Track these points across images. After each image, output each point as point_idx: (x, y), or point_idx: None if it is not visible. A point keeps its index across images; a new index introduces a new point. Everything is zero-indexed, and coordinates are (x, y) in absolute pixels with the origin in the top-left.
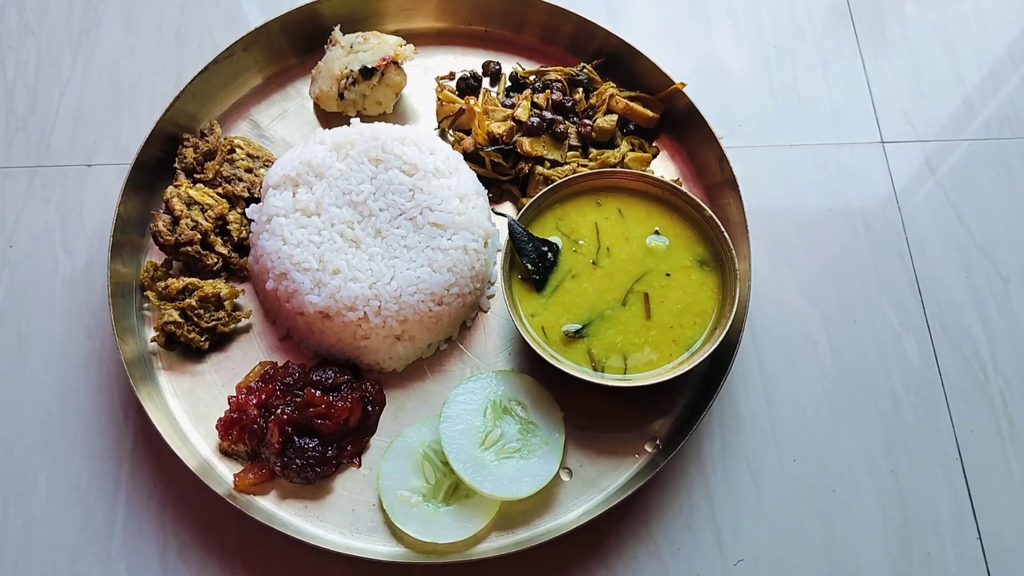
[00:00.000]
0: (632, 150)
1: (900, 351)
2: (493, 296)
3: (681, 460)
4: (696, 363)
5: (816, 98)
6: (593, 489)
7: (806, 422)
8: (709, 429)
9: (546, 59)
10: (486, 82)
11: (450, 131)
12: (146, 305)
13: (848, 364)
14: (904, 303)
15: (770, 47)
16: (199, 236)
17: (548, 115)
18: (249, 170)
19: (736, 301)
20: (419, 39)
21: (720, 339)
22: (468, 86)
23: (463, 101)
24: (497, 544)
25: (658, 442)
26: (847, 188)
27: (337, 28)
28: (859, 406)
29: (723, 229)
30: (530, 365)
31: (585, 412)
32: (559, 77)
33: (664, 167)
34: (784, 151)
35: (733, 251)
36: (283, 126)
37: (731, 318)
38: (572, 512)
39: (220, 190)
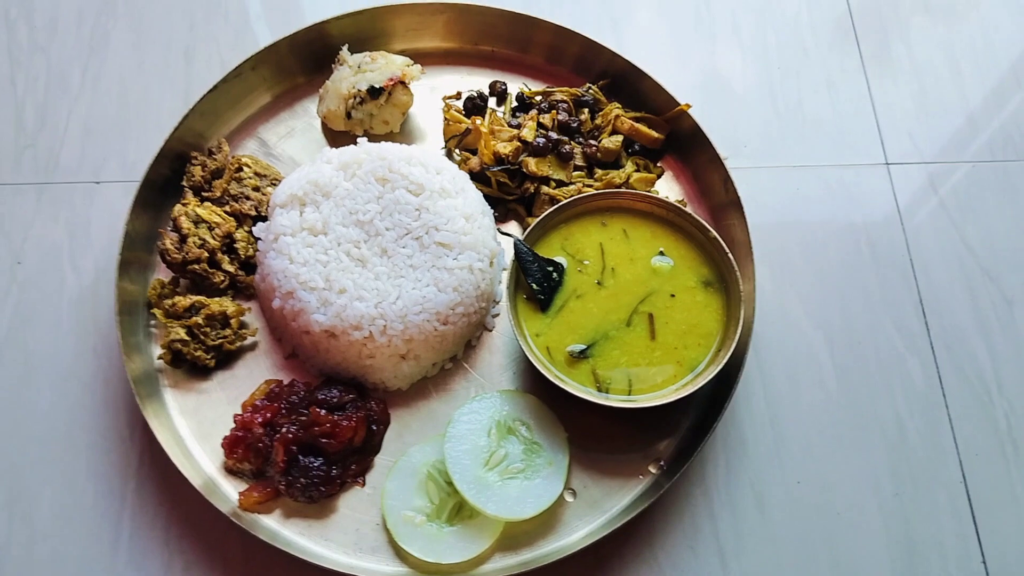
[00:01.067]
0: (637, 170)
1: (904, 373)
2: (498, 315)
3: (685, 482)
4: (701, 384)
5: (821, 118)
6: (597, 510)
7: (810, 444)
8: (713, 451)
9: (552, 79)
10: (492, 102)
11: (456, 151)
12: (153, 323)
13: (852, 386)
14: (908, 325)
15: (775, 67)
16: (206, 254)
17: (554, 135)
18: (256, 188)
19: (740, 322)
20: (426, 59)
21: (725, 360)
22: (475, 106)
23: (469, 121)
24: (501, 565)
25: (662, 463)
26: (851, 209)
27: (345, 48)
28: (863, 428)
29: (728, 250)
30: (534, 385)
31: (589, 433)
32: (565, 97)
33: (669, 187)
34: (788, 172)
35: (738, 272)
36: (291, 145)
37: (736, 339)
38: (576, 533)
39: (227, 208)
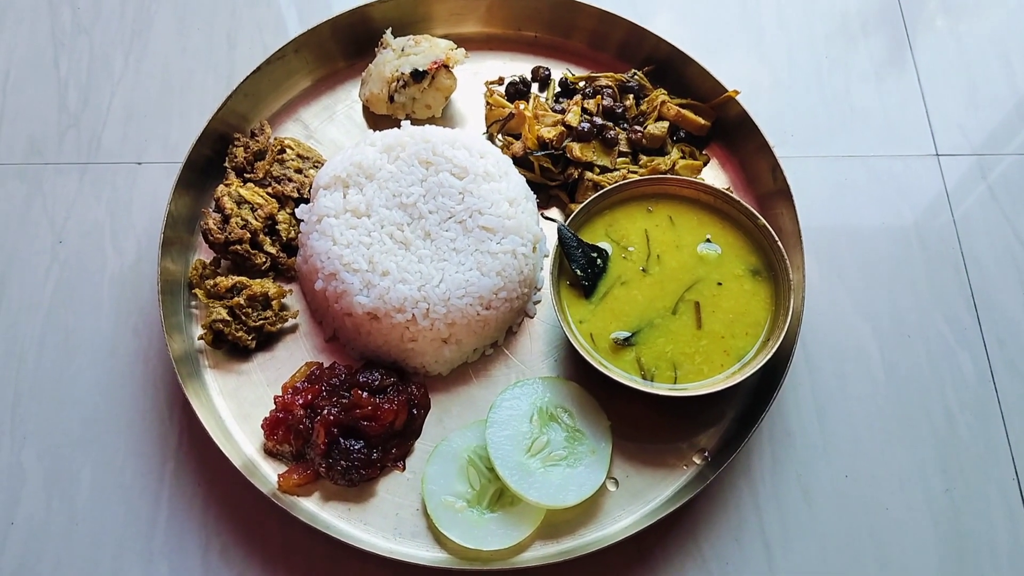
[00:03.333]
0: (683, 157)
1: (955, 367)
2: (540, 302)
3: (730, 473)
4: (749, 374)
5: (869, 109)
6: (640, 500)
7: (858, 438)
8: (759, 443)
9: (595, 65)
10: (535, 87)
11: (499, 135)
12: (194, 303)
13: (901, 379)
14: (959, 318)
15: (822, 56)
16: (248, 235)
17: (599, 120)
18: (299, 170)
19: (790, 312)
20: (468, 44)
21: (773, 351)
22: (517, 91)
23: (513, 105)
24: (541, 553)
25: (706, 454)
26: (900, 201)
27: (389, 31)
28: (913, 422)
29: (777, 238)
30: (576, 372)
31: (632, 422)
32: (610, 83)
33: (715, 176)
34: (836, 162)
35: (787, 261)
36: (332, 128)
37: (784, 329)
38: (618, 523)
39: (270, 190)
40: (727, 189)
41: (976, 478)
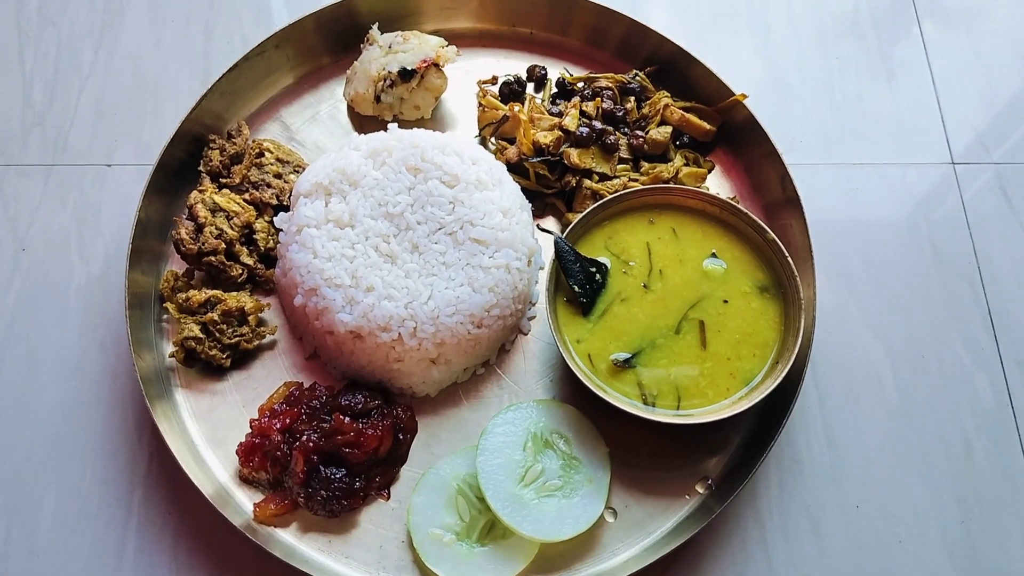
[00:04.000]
0: (686, 164)
1: (972, 390)
2: (534, 318)
3: (735, 504)
4: (757, 400)
5: (881, 113)
6: (640, 532)
7: (870, 465)
8: (766, 471)
9: (594, 64)
10: (530, 88)
11: (491, 139)
12: (165, 317)
13: (915, 403)
14: (976, 338)
15: (832, 57)
16: (224, 245)
17: (598, 125)
18: (278, 176)
19: (800, 332)
20: (460, 40)
21: (784, 374)
22: (512, 91)
23: (507, 108)
24: None
25: (710, 483)
26: (915, 211)
27: (375, 27)
28: (927, 449)
29: (787, 254)
30: (573, 395)
31: (632, 448)
32: (610, 84)
33: (718, 184)
34: (847, 169)
35: (798, 278)
36: (315, 129)
37: (795, 351)
38: (617, 557)
39: (247, 196)
40: (732, 198)
41: (994, 509)
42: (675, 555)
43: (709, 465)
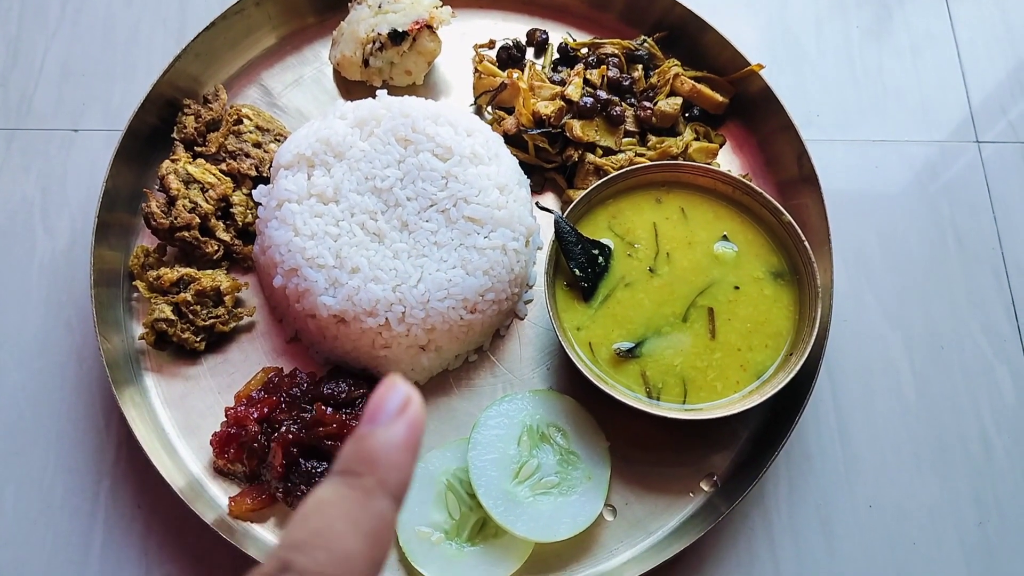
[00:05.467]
0: (696, 139)
1: (992, 384)
2: (531, 301)
3: (742, 503)
4: (770, 395)
5: (904, 88)
6: (641, 532)
7: (884, 463)
8: (774, 467)
9: (599, 29)
10: (530, 53)
11: (488, 109)
12: (135, 295)
13: (933, 397)
14: (998, 328)
15: (853, 26)
16: (198, 220)
17: (603, 94)
18: (258, 145)
19: (816, 322)
20: (455, 1)
21: (798, 367)
22: (510, 57)
23: (505, 75)
24: None
25: (716, 479)
26: (937, 193)
27: None
28: (945, 446)
29: (803, 237)
30: (571, 385)
31: (634, 442)
32: (616, 51)
33: (729, 160)
34: (866, 147)
35: (814, 263)
36: (298, 94)
37: (810, 343)
38: (616, 558)
39: (224, 167)
40: (745, 175)
41: (1014, 510)
42: (677, 556)
43: (715, 461)
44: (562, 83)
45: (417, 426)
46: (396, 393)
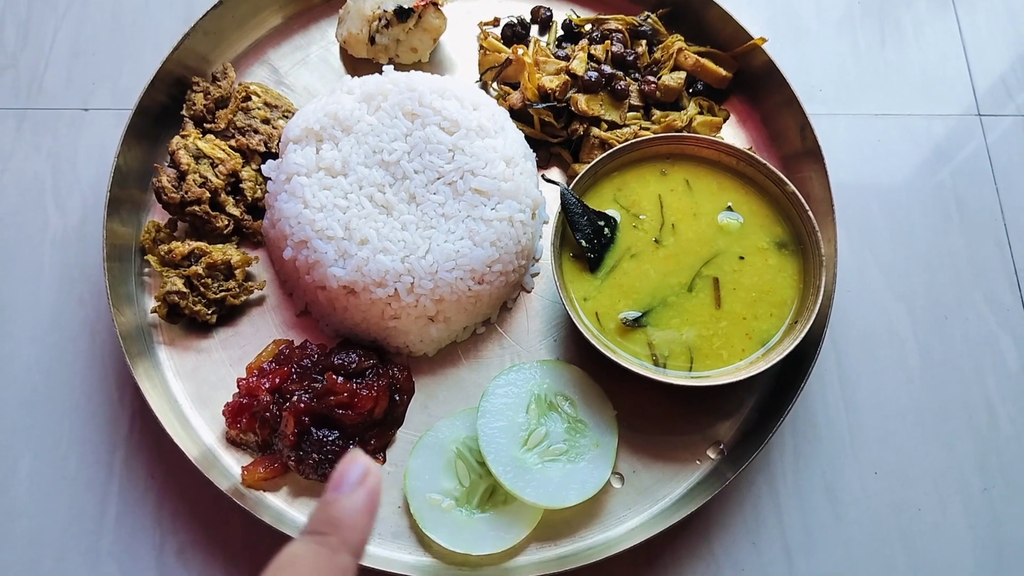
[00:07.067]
0: (700, 113)
1: (996, 352)
2: (538, 274)
3: (748, 470)
4: (774, 362)
5: (906, 62)
6: (647, 499)
7: (889, 431)
8: (780, 435)
9: (603, 6)
10: (535, 30)
11: (494, 84)
12: (147, 270)
13: (937, 366)
14: (1001, 298)
15: (855, 2)
16: (208, 195)
17: (607, 69)
18: (266, 121)
19: (820, 291)
20: None
21: (803, 335)
22: (515, 33)
23: (510, 51)
24: (537, 558)
25: (722, 447)
26: (939, 165)
27: None
28: (949, 414)
29: (807, 207)
30: (578, 355)
31: (640, 411)
32: (620, 27)
33: (733, 134)
34: (868, 121)
35: (818, 233)
36: (305, 72)
37: (815, 311)
38: (623, 524)
39: (233, 143)
40: (749, 149)
41: (1018, 477)
42: (684, 522)
43: (721, 429)
44: (567, 59)
45: (374, 494)
46: (356, 466)
